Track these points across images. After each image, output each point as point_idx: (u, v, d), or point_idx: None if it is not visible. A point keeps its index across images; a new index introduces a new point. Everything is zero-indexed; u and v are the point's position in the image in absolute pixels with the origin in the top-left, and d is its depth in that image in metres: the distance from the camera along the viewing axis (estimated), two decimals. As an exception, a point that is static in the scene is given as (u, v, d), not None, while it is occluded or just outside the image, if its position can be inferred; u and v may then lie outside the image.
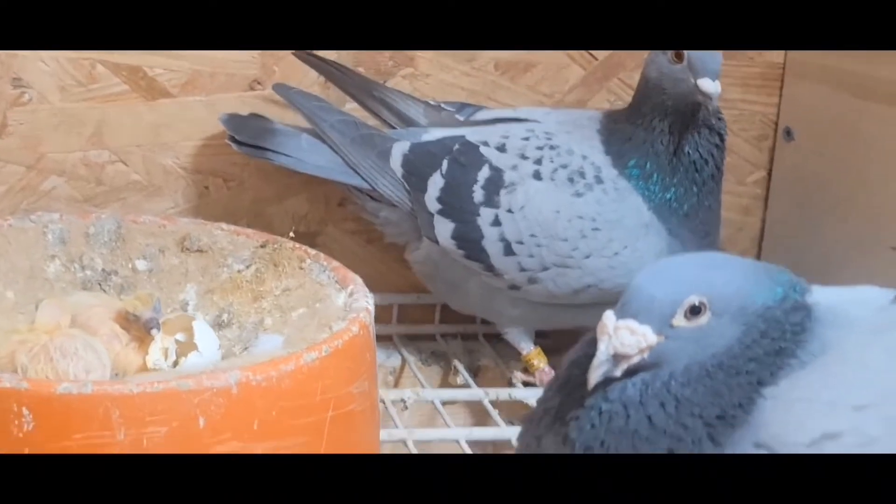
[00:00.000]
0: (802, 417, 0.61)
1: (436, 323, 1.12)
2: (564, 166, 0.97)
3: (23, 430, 0.67)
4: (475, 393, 1.00)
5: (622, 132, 0.98)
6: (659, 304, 0.62)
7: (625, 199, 0.96)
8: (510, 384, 1.04)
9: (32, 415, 0.66)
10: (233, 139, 1.00)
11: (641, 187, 0.97)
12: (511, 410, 1.02)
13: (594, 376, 0.62)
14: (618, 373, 0.62)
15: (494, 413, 0.97)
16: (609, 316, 0.63)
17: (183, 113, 1.04)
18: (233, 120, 1.01)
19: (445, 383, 1.07)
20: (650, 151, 0.97)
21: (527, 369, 1.04)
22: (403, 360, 1.07)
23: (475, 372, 1.07)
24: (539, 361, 1.02)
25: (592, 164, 0.97)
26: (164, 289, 0.91)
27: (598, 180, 0.97)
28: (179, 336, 0.83)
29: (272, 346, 0.81)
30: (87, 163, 1.03)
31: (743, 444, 0.61)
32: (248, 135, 1.00)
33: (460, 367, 1.06)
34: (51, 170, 1.03)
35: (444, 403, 0.98)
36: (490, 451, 1.02)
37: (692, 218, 0.97)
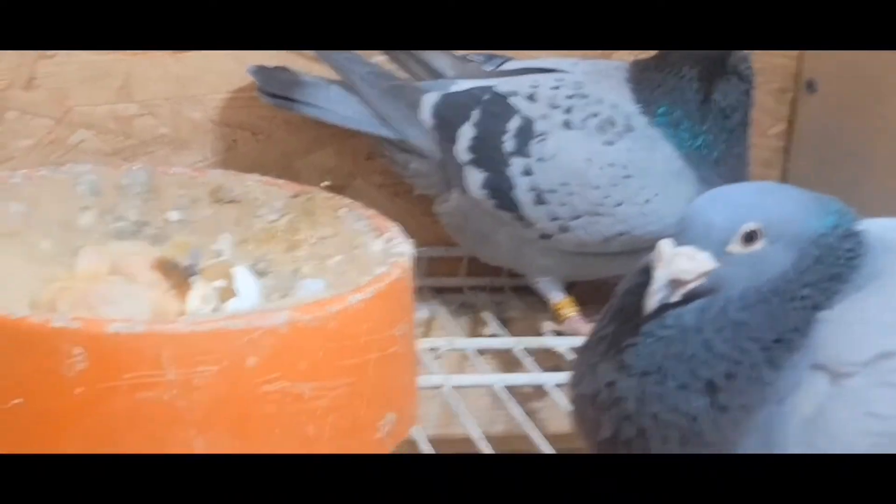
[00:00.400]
0: (859, 338, 0.62)
1: (463, 275, 1.12)
2: (595, 115, 0.97)
3: (74, 370, 0.67)
4: (507, 341, 1.00)
5: (651, 80, 0.98)
6: (716, 230, 0.63)
7: (655, 146, 0.97)
8: (540, 334, 1.04)
9: (85, 354, 0.67)
10: (262, 91, 1.00)
11: (671, 135, 0.97)
12: (543, 359, 1.02)
13: (652, 302, 0.62)
14: (675, 298, 0.63)
15: (528, 360, 0.97)
16: (666, 242, 0.63)
17: (210, 65, 1.04)
18: (261, 71, 1.01)
19: (475, 334, 1.07)
20: (679, 99, 0.97)
21: (556, 319, 1.04)
22: (433, 313, 1.07)
23: (504, 323, 1.07)
24: (569, 310, 1.02)
25: (622, 112, 0.97)
26: (197, 239, 0.91)
27: (629, 128, 0.97)
28: (219, 283, 0.83)
29: (315, 289, 0.81)
30: (116, 116, 1.03)
31: (801, 366, 0.62)
32: (277, 86, 1.00)
33: (490, 317, 1.06)
34: (79, 123, 1.03)
35: (476, 352, 0.98)
36: (522, 396, 1.02)
37: (721, 165, 0.98)
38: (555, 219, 0.97)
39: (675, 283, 0.63)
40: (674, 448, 0.64)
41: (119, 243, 0.88)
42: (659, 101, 0.97)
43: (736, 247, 0.63)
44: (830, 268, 0.64)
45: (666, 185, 0.96)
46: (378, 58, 1.05)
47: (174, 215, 0.93)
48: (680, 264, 0.63)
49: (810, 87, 1.15)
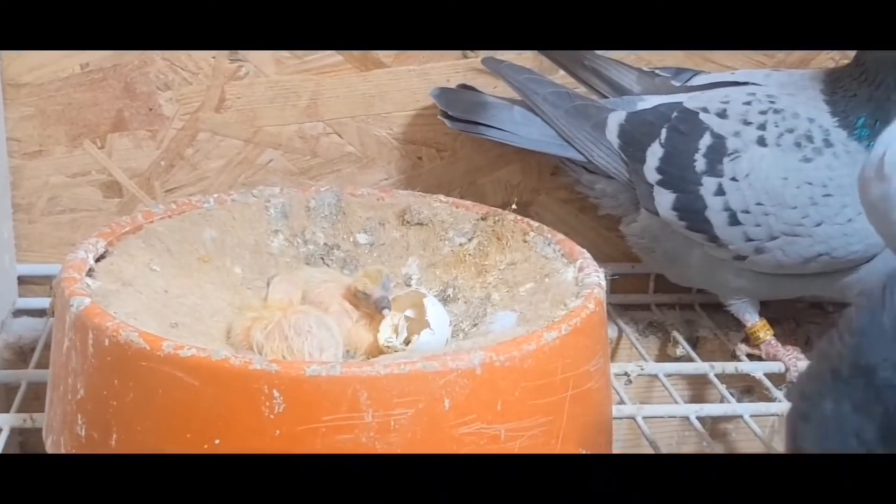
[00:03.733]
0: None
1: (651, 293, 1.10)
2: (790, 130, 0.93)
3: (274, 412, 0.67)
4: (700, 366, 0.97)
5: (846, 89, 0.93)
6: None
7: (857, 162, 0.91)
8: (733, 356, 1.01)
9: (283, 397, 0.67)
10: (445, 115, 1.00)
11: (871, 147, 0.92)
12: (734, 380, 0.99)
13: None
14: None
15: (722, 388, 0.94)
16: None
17: (396, 83, 1.03)
18: (444, 94, 1.01)
19: (664, 354, 1.05)
20: (878, 108, 0.92)
21: (749, 340, 1.01)
22: (620, 332, 1.05)
23: (694, 343, 1.05)
24: (765, 333, 0.99)
25: (820, 126, 0.93)
26: (385, 263, 0.91)
27: (828, 144, 0.92)
28: (409, 313, 0.83)
29: (507, 323, 0.80)
30: (303, 135, 1.04)
31: None
32: (460, 109, 1.00)
33: (680, 338, 1.03)
34: (267, 143, 1.04)
35: (667, 376, 0.96)
36: (714, 426, 1.00)
37: None
38: (750, 240, 0.94)
39: None
40: None
41: (309, 270, 0.88)
42: (856, 112, 0.93)
43: None
44: None
45: None
46: (557, 74, 1.03)
47: (362, 238, 0.93)
48: None
49: None
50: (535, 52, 1.03)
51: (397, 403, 0.68)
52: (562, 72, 1.03)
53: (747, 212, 0.93)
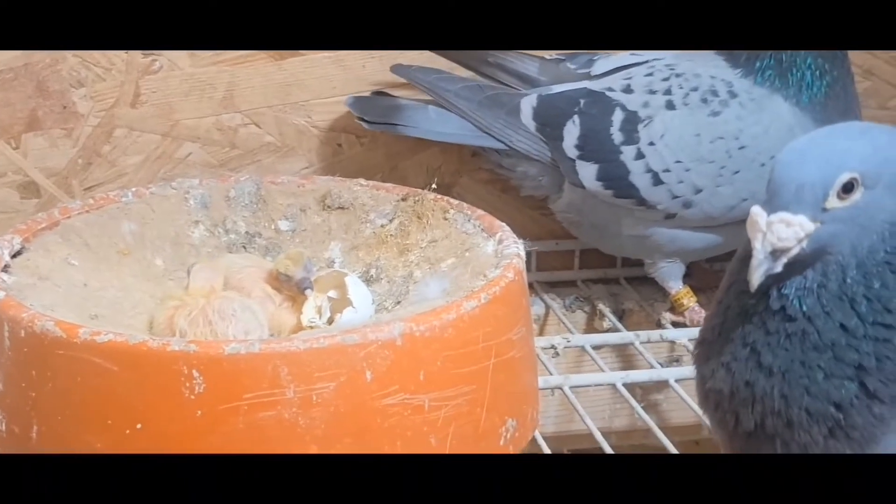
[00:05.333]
0: None
1: (576, 268, 1.11)
2: (695, 89, 0.96)
3: (194, 393, 0.67)
4: (625, 336, 0.98)
5: None
6: (809, 189, 0.59)
7: (764, 107, 0.95)
8: (658, 325, 1.02)
9: (203, 377, 0.66)
10: (362, 119, 1.00)
11: (778, 87, 0.95)
12: (661, 349, 1.00)
13: (756, 276, 0.59)
14: (778, 268, 0.59)
15: (648, 355, 0.95)
16: (758, 212, 0.59)
17: (312, 70, 1.03)
18: (358, 103, 1.01)
19: (591, 328, 1.06)
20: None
21: (674, 309, 1.02)
22: (547, 308, 1.06)
23: (620, 315, 1.06)
24: (688, 300, 1.00)
25: (723, 80, 0.96)
26: (308, 248, 0.90)
27: (732, 95, 0.95)
28: (332, 293, 0.83)
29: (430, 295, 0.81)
30: (221, 127, 1.03)
31: None
32: (376, 114, 1.00)
33: (606, 310, 1.04)
34: (185, 136, 1.03)
35: (594, 348, 0.97)
36: (643, 388, 1.01)
37: (833, 97, 0.95)
38: (676, 197, 0.95)
39: (776, 253, 0.59)
40: (819, 439, 0.61)
41: (230, 256, 0.88)
42: (753, 59, 0.96)
43: (834, 202, 0.59)
44: None
45: (782, 141, 0.93)
46: (467, 73, 1.03)
47: (284, 224, 0.93)
48: (779, 233, 0.58)
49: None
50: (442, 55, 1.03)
51: (318, 378, 0.67)
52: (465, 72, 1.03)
53: (668, 171, 0.95)
